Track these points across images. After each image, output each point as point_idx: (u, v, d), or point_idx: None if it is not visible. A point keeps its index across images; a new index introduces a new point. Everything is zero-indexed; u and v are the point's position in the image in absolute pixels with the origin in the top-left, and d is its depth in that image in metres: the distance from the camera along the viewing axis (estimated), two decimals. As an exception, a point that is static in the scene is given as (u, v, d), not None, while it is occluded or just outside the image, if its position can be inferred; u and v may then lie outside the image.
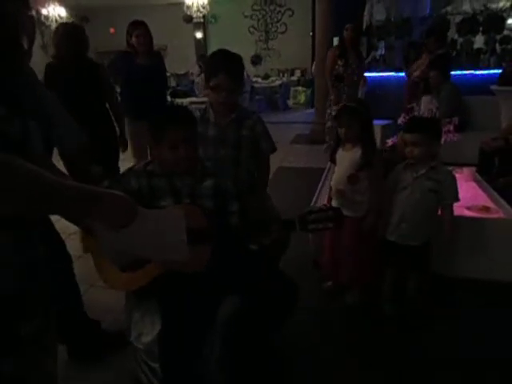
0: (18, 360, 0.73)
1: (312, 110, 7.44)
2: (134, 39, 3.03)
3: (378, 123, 3.73)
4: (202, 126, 1.76)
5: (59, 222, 0.83)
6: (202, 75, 7.16)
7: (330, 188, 2.07)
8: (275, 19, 10.58)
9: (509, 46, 6.50)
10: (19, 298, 0.73)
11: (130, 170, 1.44)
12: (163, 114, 1.42)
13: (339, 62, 4.60)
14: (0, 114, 0.66)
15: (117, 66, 3.29)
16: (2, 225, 0.70)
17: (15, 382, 0.73)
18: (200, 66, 8.55)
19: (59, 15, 8.45)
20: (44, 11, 8.24)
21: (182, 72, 10.15)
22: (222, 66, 1.67)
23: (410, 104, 4.48)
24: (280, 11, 10.48)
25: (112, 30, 10.03)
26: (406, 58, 5.79)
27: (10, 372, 0.72)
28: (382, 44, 7.23)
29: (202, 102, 6.65)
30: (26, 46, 0.75)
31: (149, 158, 1.52)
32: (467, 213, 2.32)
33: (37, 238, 0.78)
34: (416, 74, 4.76)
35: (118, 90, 3.53)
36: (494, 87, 4.22)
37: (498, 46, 6.62)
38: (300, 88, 9.80)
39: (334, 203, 2.03)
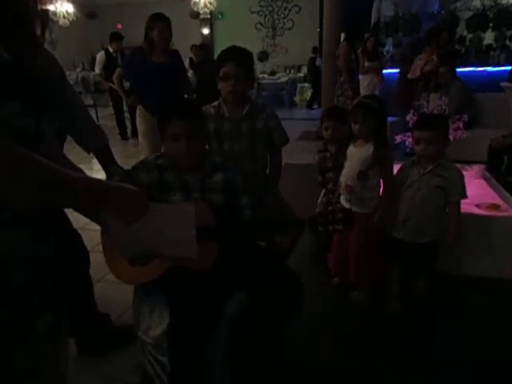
0: (30, 355, 0.74)
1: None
2: (155, 33, 2.87)
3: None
4: (217, 122, 1.79)
5: (73, 214, 0.84)
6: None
7: (339, 183, 2.06)
8: (282, 15, 10.55)
9: (519, 43, 6.42)
10: (32, 295, 0.74)
11: (140, 163, 1.44)
12: (168, 106, 1.43)
13: (352, 57, 4.70)
14: (14, 109, 0.67)
15: (128, 63, 3.24)
16: (15, 222, 0.71)
17: (27, 376, 0.74)
18: (191, 59, 8.49)
19: (67, 11, 8.48)
20: (52, 7, 8.27)
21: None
22: (229, 55, 1.73)
23: (414, 101, 4.53)
24: (287, 7, 10.45)
25: (119, 26, 10.06)
26: (403, 55, 5.80)
27: (22, 367, 0.73)
28: (389, 40, 7.19)
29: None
30: (38, 32, 0.76)
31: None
32: (476, 210, 2.30)
33: (50, 235, 0.79)
34: (427, 68, 4.74)
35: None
36: (504, 84, 4.18)
37: (508, 43, 6.54)
38: (306, 84, 9.76)
39: (342, 199, 2.03)
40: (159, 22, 2.89)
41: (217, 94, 1.82)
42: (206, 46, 7.16)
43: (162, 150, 1.44)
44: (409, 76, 5.20)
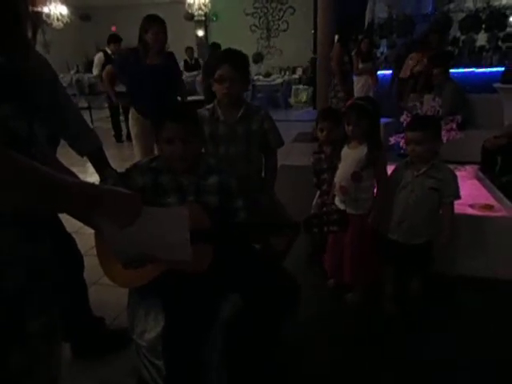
0: (26, 355, 0.74)
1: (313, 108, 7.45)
2: (150, 36, 2.81)
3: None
4: (211, 125, 1.78)
5: (67, 218, 0.84)
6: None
7: (334, 184, 2.07)
8: (277, 17, 10.55)
9: (512, 44, 6.48)
10: (30, 295, 0.74)
11: (134, 166, 1.44)
12: (163, 109, 1.43)
13: (345, 59, 4.71)
14: (6, 112, 0.67)
15: (121, 64, 3.12)
16: (14, 222, 0.71)
17: (22, 376, 0.74)
18: (185, 61, 8.48)
19: (61, 13, 8.44)
20: (45, 9, 8.23)
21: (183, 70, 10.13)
22: (225, 57, 1.74)
23: (401, 102, 4.65)
24: (281, 9, 10.46)
25: (113, 28, 10.03)
26: (398, 56, 5.85)
27: (17, 367, 0.73)
28: (383, 42, 7.23)
29: (201, 101, 6.64)
30: (29, 34, 0.76)
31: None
32: (470, 211, 2.32)
33: (46, 237, 0.79)
34: (417, 68, 4.78)
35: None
36: (497, 85, 4.21)
37: (500, 44, 6.60)
38: (301, 86, 9.78)
39: (337, 200, 2.04)
40: (153, 25, 2.83)
41: None
42: (216, 45, 7.02)
43: (156, 153, 1.44)
44: (400, 75, 5.24)
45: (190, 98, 6.81)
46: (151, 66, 2.91)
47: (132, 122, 3.12)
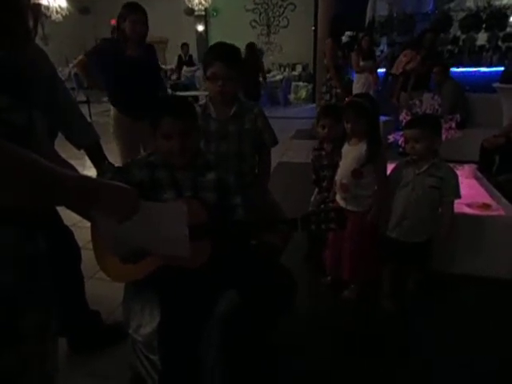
0: (18, 354, 0.73)
1: (313, 106, 7.43)
2: (127, 24, 2.53)
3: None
4: (203, 121, 1.75)
5: (65, 211, 0.83)
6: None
7: (335, 182, 2.07)
8: (277, 13, 10.53)
9: (512, 44, 6.49)
10: (20, 295, 0.74)
11: (132, 160, 1.43)
12: (160, 103, 1.42)
13: (339, 54, 4.67)
14: (4, 103, 0.66)
15: (100, 55, 2.68)
16: (11, 222, 0.70)
17: (15, 376, 0.74)
18: (179, 57, 8.43)
19: (60, 6, 8.38)
20: (45, 2, 8.16)
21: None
22: (218, 54, 1.68)
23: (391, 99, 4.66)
24: (282, 5, 10.43)
25: (113, 22, 9.95)
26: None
27: (9, 365, 0.72)
28: (384, 40, 7.22)
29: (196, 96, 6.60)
30: (31, 25, 0.75)
31: (141, 152, 1.51)
32: (467, 210, 2.32)
33: (39, 234, 0.78)
34: (410, 66, 4.78)
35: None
36: (496, 85, 4.21)
37: (500, 44, 6.60)
38: (301, 83, 9.76)
39: (337, 197, 2.03)
40: (132, 13, 2.51)
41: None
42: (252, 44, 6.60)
43: (143, 151, 1.42)
44: (392, 71, 5.23)
45: (189, 94, 6.82)
46: (132, 58, 2.61)
47: (113, 123, 2.78)
